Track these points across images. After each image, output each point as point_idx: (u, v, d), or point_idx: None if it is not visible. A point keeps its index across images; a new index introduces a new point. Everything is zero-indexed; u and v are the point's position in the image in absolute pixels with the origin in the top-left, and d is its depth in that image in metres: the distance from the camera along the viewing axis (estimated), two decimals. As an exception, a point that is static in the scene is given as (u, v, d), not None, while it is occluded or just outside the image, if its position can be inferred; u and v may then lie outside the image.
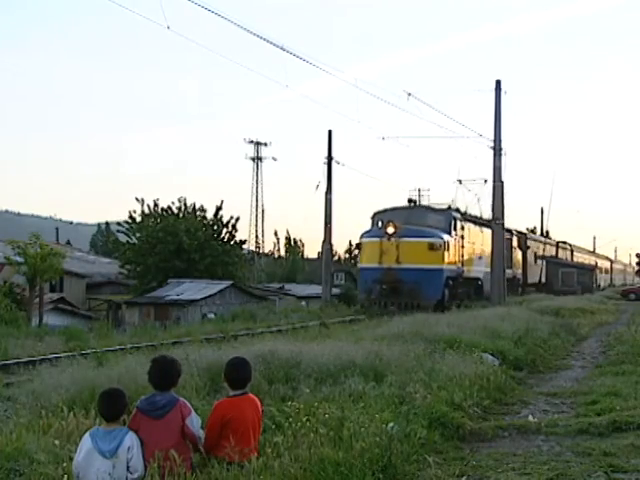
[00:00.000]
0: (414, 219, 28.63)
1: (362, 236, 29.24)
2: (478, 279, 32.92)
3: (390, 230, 27.21)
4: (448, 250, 28.20)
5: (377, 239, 27.68)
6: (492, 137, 31.16)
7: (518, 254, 42.53)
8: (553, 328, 18.93)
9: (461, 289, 30.45)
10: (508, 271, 35.65)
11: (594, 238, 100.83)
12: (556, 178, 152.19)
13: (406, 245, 27.22)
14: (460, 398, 8.47)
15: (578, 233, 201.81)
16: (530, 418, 8.46)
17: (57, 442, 5.49)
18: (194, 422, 5.21)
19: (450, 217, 29.71)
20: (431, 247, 27.27)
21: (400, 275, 26.99)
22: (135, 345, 15.34)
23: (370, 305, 27.29)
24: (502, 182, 31.06)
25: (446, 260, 28.15)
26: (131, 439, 4.90)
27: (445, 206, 31.62)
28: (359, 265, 29.95)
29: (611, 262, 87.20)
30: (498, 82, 31.47)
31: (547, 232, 62.42)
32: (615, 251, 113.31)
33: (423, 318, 17.85)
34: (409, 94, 28.29)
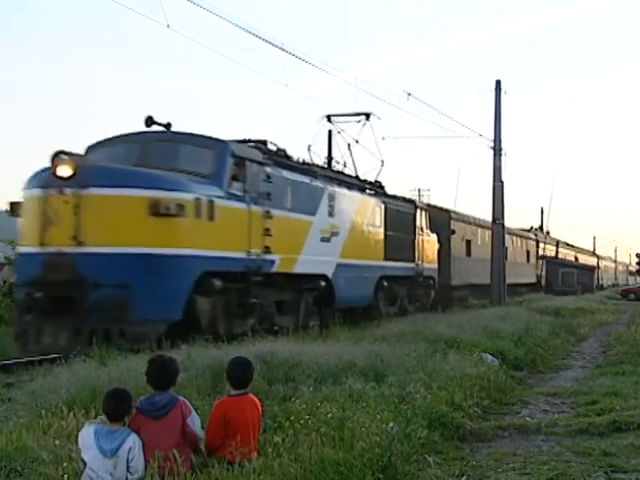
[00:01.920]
0: (154, 158, 13.88)
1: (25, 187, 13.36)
2: (324, 276, 18.11)
3: (64, 171, 12.34)
4: (212, 218, 13.31)
5: (40, 192, 12.66)
6: (492, 137, 31.11)
7: (429, 240, 26.98)
8: (553, 328, 18.96)
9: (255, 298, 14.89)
10: (403, 264, 23.72)
11: (594, 238, 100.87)
12: (556, 178, 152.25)
13: (96, 203, 12.38)
14: (460, 398, 8.47)
15: (578, 233, 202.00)
16: (528, 419, 8.47)
17: (57, 442, 5.49)
18: (195, 422, 5.21)
19: (225, 153, 14.24)
20: (155, 209, 12.39)
21: (80, 268, 12.21)
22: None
23: (24, 336, 12.46)
24: (502, 182, 31.02)
25: (199, 239, 13.13)
26: (133, 440, 4.90)
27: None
28: (18, 249, 14.31)
29: (598, 258, 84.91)
30: (498, 82, 31.43)
31: (548, 232, 62.20)
32: (615, 251, 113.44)
33: (422, 318, 17.92)
34: (409, 94, 28.13)
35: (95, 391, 6.92)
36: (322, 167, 20.82)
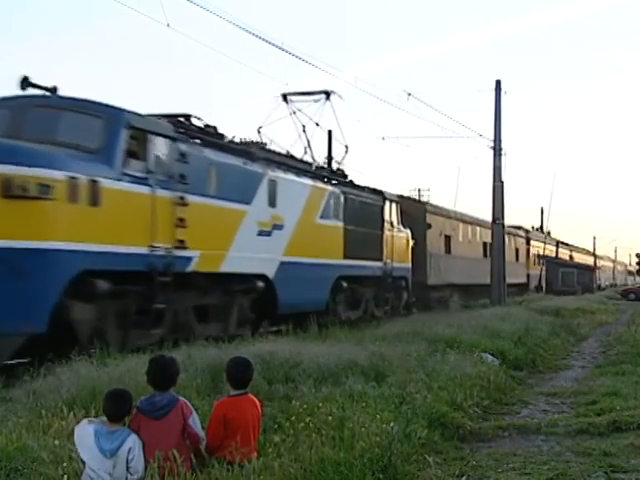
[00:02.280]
0: (28, 127, 11.26)
1: None
2: (264, 277, 15.58)
3: None
4: (96, 204, 10.68)
5: None
6: (492, 137, 31.13)
7: (400, 236, 23.94)
8: (553, 328, 18.97)
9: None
10: (368, 263, 20.88)
11: (594, 238, 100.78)
12: (556, 178, 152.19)
13: None
14: (460, 398, 8.47)
15: (578, 233, 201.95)
16: (528, 419, 8.47)
17: (57, 442, 5.49)
18: (196, 422, 5.21)
19: (118, 124, 11.56)
20: (7, 190, 9.75)
21: None
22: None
23: None
24: (502, 182, 31.02)
25: (74, 229, 10.45)
26: (133, 440, 4.90)
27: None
28: None
29: (595, 257, 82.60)
30: (498, 82, 31.45)
31: (549, 232, 62.12)
32: (615, 251, 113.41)
33: (422, 318, 17.93)
34: (409, 94, 28.15)
35: (95, 391, 6.92)
36: (265, 149, 17.25)
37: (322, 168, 20.94)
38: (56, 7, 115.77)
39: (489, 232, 33.85)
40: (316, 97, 21.24)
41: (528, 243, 48.80)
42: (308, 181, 18.10)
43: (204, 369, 8.35)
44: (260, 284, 15.31)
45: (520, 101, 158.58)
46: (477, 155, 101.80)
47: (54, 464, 5.09)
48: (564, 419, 8.42)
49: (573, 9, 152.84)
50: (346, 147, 22.74)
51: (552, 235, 62.79)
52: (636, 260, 71.29)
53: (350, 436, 5.81)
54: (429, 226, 27.82)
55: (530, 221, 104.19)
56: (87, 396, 6.94)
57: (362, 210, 20.86)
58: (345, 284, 19.36)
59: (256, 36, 18.31)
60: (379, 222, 22.25)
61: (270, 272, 15.69)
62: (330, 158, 37.24)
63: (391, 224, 23.23)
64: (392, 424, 6.43)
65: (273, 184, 15.92)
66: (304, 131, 21.11)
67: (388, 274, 22.48)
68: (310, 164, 19.97)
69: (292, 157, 18.92)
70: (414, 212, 26.84)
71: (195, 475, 4.90)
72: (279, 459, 5.28)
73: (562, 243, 65.38)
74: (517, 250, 44.30)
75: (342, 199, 19.52)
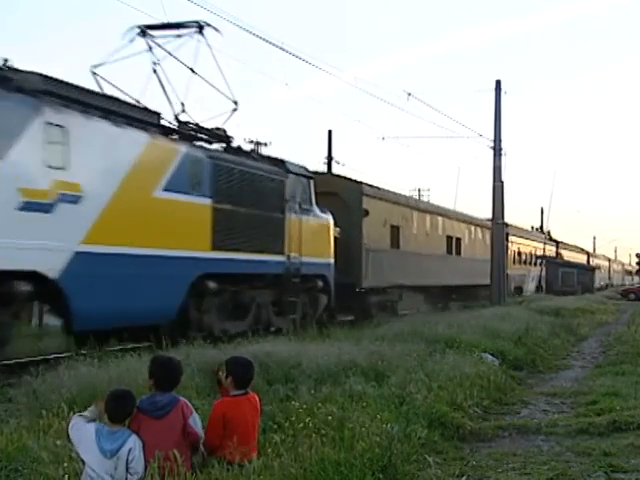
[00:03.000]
0: None
1: None
2: (39, 276, 10.59)
3: None
4: None
5: None
6: (492, 137, 31.14)
7: (315, 222, 18.54)
8: (553, 328, 18.96)
9: None
10: (260, 257, 15.90)
11: (594, 238, 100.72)
12: (556, 178, 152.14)
13: None
14: (460, 398, 8.47)
15: (578, 233, 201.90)
16: (528, 419, 8.47)
17: (57, 442, 5.49)
18: (197, 422, 5.21)
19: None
20: None
21: None
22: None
23: None
24: (502, 182, 31.02)
25: None
26: (134, 441, 4.90)
27: None
28: None
29: (588, 255, 76.39)
30: (498, 82, 31.47)
31: (548, 232, 61.95)
32: (615, 251, 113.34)
33: (422, 318, 17.90)
34: (409, 94, 28.14)
35: (96, 391, 6.92)
36: (53, 79, 11.31)
37: (189, 126, 15.06)
38: (56, 7, 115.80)
39: (455, 224, 30.04)
40: (184, 31, 15.55)
41: (506, 239, 40.17)
42: (140, 135, 12.64)
43: (204, 369, 8.35)
44: (28, 288, 10.38)
45: (520, 101, 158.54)
46: (477, 155, 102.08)
47: (54, 464, 5.09)
48: (564, 419, 8.43)
49: (573, 9, 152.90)
50: (235, 103, 16.46)
51: (552, 235, 62.43)
52: (636, 260, 71.26)
53: (350, 436, 5.82)
54: (366, 213, 21.66)
55: (530, 221, 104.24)
56: (87, 396, 6.94)
57: (249, 185, 15.47)
58: (215, 285, 14.28)
59: (256, 36, 18.28)
60: (279, 202, 16.74)
61: (50, 268, 10.61)
62: (330, 158, 35.98)
63: (299, 206, 17.54)
64: (392, 424, 6.44)
65: (59, 132, 10.84)
66: (155, 71, 15.28)
67: (294, 272, 17.07)
68: (157, 114, 13.85)
69: (112, 98, 13.03)
70: (345, 194, 21.22)
71: (195, 475, 4.90)
72: (279, 459, 5.28)
73: (552, 240, 60.53)
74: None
75: (209, 166, 14.17)
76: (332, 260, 18.97)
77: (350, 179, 22.76)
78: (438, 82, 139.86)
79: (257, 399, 5.70)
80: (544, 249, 54.12)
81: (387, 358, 10.03)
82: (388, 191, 25.01)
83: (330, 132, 39.20)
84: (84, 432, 4.91)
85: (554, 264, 54.32)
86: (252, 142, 17.15)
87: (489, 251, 31.23)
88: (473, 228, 33.71)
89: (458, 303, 30.11)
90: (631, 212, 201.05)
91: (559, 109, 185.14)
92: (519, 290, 42.92)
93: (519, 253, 45.37)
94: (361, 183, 22.53)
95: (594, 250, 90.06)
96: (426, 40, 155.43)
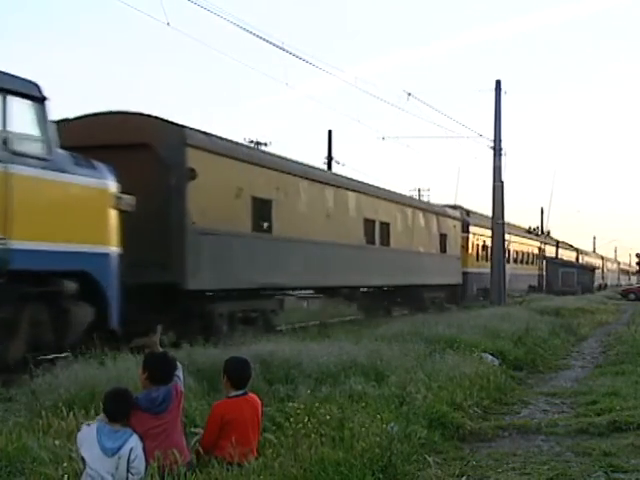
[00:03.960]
0: None
1: None
2: None
3: None
4: None
5: None
6: (492, 137, 31.21)
7: (82, 201, 10.91)
8: (553, 328, 18.95)
9: None
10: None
11: (594, 238, 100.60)
12: (556, 178, 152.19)
13: None
14: (460, 398, 8.47)
15: (578, 233, 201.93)
16: (528, 419, 8.46)
17: (57, 442, 5.49)
18: (180, 376, 5.45)
19: None
20: None
21: None
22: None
23: None
24: (502, 182, 31.04)
25: None
26: (135, 441, 4.90)
27: None
28: None
29: (578, 253, 73.40)
30: (498, 82, 31.53)
31: (548, 232, 61.95)
32: (615, 251, 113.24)
33: (422, 318, 17.89)
34: (409, 94, 28.16)
35: (94, 390, 6.92)
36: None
37: None
38: (56, 6, 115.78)
39: (381, 205, 23.05)
40: None
41: (466, 230, 34.06)
42: None
43: (203, 369, 8.34)
44: None
45: (520, 101, 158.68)
46: (477, 155, 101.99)
47: (54, 464, 5.09)
48: (564, 419, 8.42)
49: (573, 9, 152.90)
50: None
51: (552, 235, 62.34)
52: (636, 260, 71.27)
53: (350, 436, 5.81)
54: (193, 175, 13.92)
55: (530, 221, 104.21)
56: (86, 396, 6.95)
57: None
58: None
59: (256, 36, 18.27)
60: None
61: None
62: (330, 158, 35.96)
63: (5, 146, 9.52)
64: (392, 424, 6.44)
65: None
66: None
67: None
68: None
69: None
70: (160, 145, 13.76)
71: (195, 475, 4.90)
72: (279, 459, 5.28)
73: (530, 233, 54.11)
74: (444, 237, 29.56)
75: None
76: (112, 248, 11.42)
77: (167, 121, 14.31)
78: (438, 82, 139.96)
79: (257, 400, 5.71)
80: (524, 243, 46.92)
81: (387, 358, 10.03)
82: (246, 146, 18.44)
83: (330, 132, 39.20)
84: (86, 431, 4.93)
85: (554, 264, 54.35)
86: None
87: (437, 243, 27.15)
88: (410, 212, 26.20)
89: (402, 309, 25.26)
90: (631, 212, 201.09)
91: (559, 109, 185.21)
92: (485, 292, 34.11)
93: (484, 247, 36.33)
94: (184, 127, 14.33)
95: (594, 250, 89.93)
96: (426, 40, 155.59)
